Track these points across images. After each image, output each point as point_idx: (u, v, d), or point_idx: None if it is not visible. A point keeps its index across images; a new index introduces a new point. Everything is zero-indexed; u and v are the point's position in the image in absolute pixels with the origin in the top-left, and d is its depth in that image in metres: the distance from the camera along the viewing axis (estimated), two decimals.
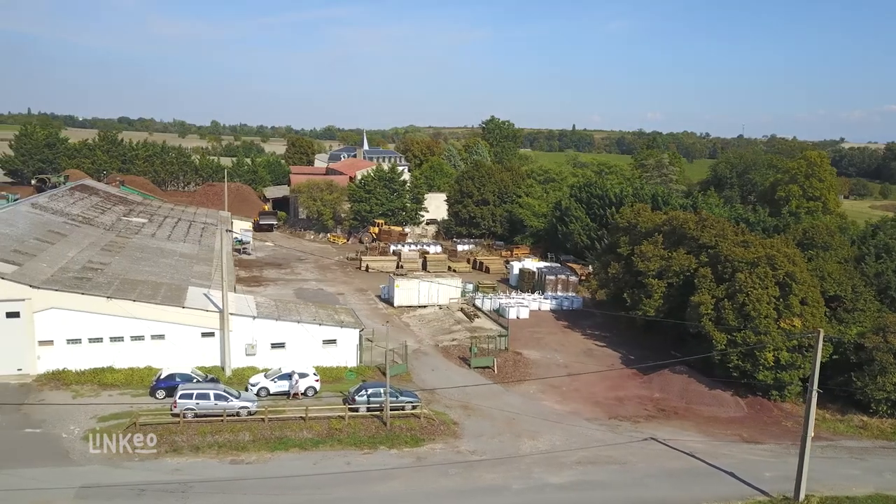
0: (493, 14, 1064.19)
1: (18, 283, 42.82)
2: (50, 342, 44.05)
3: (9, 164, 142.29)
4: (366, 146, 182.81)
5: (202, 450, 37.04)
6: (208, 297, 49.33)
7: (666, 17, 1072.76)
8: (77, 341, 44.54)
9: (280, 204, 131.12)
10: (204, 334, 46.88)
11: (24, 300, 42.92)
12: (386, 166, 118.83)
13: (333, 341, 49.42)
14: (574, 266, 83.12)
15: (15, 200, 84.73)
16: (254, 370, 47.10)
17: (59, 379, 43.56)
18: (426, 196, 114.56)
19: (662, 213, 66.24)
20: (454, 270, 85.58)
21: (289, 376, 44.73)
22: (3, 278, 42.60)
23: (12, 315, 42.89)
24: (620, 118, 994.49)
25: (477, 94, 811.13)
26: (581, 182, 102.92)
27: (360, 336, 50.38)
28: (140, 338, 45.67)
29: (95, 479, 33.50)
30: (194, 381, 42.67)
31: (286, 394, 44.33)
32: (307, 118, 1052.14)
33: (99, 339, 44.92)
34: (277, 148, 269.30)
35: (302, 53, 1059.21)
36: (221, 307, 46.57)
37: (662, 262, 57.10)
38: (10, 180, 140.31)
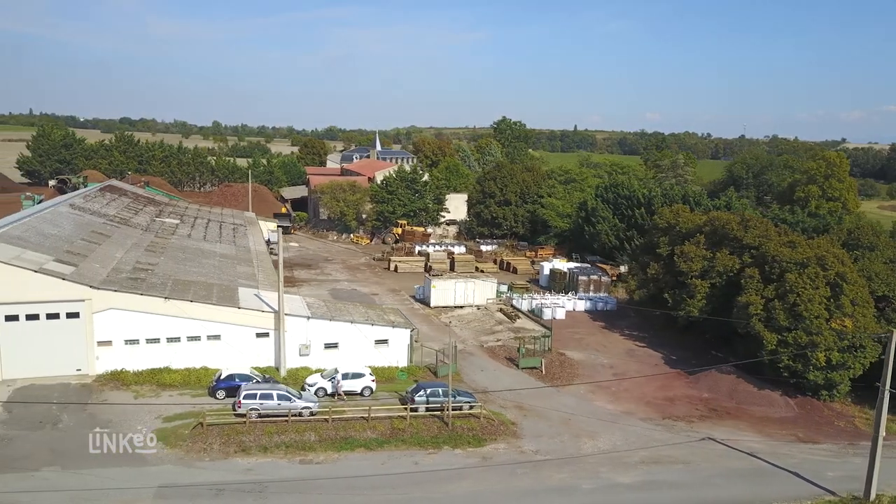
0: (494, 14, 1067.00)
1: (79, 284, 42.88)
2: (108, 342, 44.13)
3: (26, 165, 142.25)
4: (378, 147, 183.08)
5: (270, 450, 37.18)
6: (259, 298, 49.46)
7: (666, 17, 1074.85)
8: (135, 342, 44.63)
9: (298, 204, 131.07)
10: (258, 335, 47.00)
11: (83, 301, 43.02)
12: (407, 167, 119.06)
13: (385, 341, 49.57)
14: (604, 266, 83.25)
15: (40, 202, 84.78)
16: (308, 370, 47.23)
17: (118, 379, 43.63)
18: (446, 197, 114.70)
19: (701, 213, 66.41)
20: (481, 271, 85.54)
21: (332, 377, 44.83)
22: (64, 279, 42.65)
23: (72, 315, 43.02)
24: (620, 119, 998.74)
25: (477, 95, 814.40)
26: (606, 182, 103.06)
27: (411, 336, 50.51)
28: (196, 338, 45.77)
29: (171, 478, 33.66)
30: (253, 381, 42.80)
31: (334, 393, 44.37)
32: (308, 118, 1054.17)
33: (156, 340, 45.02)
34: (282, 148, 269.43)
35: (302, 53, 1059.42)
36: (275, 308, 46.73)
37: (705, 262, 57.33)
38: (27, 181, 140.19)
